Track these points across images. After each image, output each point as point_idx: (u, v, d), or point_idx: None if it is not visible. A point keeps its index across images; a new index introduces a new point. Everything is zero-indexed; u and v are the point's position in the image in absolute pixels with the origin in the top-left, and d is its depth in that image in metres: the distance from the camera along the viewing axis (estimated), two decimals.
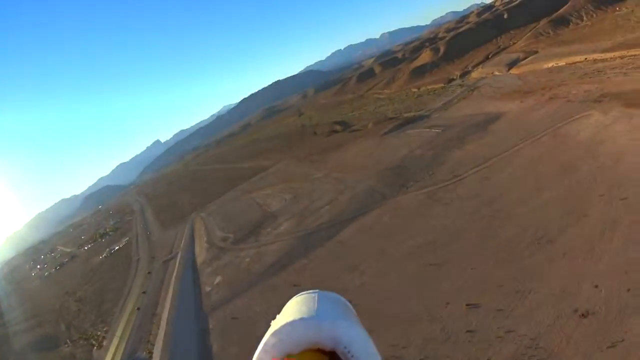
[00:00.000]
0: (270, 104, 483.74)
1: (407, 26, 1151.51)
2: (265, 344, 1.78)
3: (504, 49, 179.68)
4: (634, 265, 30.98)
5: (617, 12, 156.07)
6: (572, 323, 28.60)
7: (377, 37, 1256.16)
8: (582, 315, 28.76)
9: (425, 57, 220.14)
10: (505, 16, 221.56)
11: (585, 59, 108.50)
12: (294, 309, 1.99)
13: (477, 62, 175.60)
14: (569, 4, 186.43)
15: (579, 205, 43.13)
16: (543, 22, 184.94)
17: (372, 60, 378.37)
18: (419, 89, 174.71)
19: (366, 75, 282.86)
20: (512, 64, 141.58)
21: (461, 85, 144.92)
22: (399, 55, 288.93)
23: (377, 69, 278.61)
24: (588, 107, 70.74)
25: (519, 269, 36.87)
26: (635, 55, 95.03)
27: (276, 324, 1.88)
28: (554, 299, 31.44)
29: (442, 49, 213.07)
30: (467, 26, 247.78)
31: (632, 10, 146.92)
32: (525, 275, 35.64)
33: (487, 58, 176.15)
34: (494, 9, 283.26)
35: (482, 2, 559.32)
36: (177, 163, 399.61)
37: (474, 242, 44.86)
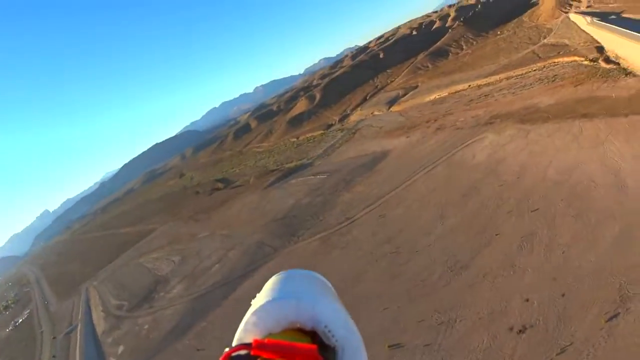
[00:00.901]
0: (151, 168, 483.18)
1: (280, 77, 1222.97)
2: (246, 323, 1.84)
3: (382, 88, 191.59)
4: (561, 271, 31.91)
5: (498, 36, 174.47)
6: (511, 341, 28.25)
7: (251, 91, 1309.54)
8: (520, 331, 28.54)
9: (301, 106, 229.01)
10: (381, 56, 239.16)
11: (469, 86, 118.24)
12: (273, 288, 2.07)
13: (355, 105, 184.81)
14: (446, 35, 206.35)
15: (488, 226, 44.30)
16: (421, 56, 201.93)
17: (248, 115, 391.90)
18: (297, 138, 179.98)
19: (242, 130, 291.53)
20: (392, 102, 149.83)
21: (341, 130, 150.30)
22: (274, 107, 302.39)
23: (253, 124, 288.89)
24: (480, 131, 76.09)
25: (437, 300, 36.29)
26: (521, 74, 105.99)
27: (256, 303, 1.96)
28: (484, 322, 31.00)
29: (317, 96, 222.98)
30: (341, 70, 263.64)
31: (514, 32, 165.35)
32: (445, 305, 35.02)
33: (365, 99, 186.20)
34: (368, 50, 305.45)
35: (355, 45, 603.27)
36: (66, 232, 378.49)
37: (381, 281, 44.34)
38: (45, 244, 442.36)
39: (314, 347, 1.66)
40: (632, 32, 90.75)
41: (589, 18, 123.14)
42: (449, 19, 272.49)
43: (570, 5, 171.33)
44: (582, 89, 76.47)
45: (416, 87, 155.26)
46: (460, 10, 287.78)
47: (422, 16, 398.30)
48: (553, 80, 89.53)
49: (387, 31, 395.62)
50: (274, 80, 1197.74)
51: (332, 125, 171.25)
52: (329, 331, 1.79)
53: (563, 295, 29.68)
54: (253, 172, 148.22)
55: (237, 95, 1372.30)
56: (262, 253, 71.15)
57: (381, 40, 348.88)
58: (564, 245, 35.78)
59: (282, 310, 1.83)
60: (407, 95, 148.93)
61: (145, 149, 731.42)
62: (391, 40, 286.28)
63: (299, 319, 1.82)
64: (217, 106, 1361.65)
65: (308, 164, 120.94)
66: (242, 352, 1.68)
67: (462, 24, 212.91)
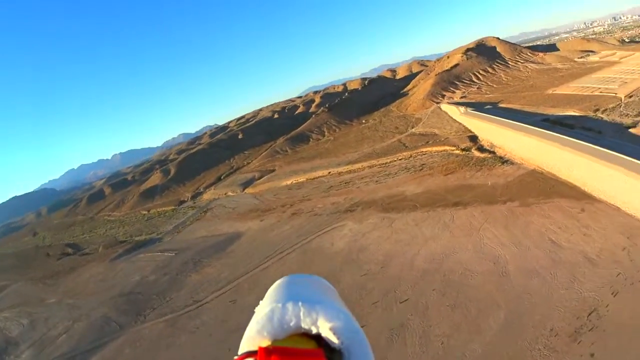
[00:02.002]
0: (7, 221, 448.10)
1: (138, 147, 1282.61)
2: (251, 330, 1.93)
3: (239, 169, 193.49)
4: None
5: (364, 124, 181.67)
6: None
7: (109, 157, 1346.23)
8: None
9: (155, 179, 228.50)
10: (240, 136, 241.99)
11: (329, 173, 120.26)
12: (277, 294, 2.19)
13: (209, 183, 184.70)
14: (309, 120, 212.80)
15: None
16: (280, 140, 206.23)
17: (103, 181, 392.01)
18: (148, 211, 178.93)
19: (96, 196, 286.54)
20: (247, 184, 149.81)
21: (193, 207, 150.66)
22: (129, 177, 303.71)
23: (107, 191, 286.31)
24: (339, 218, 76.68)
25: None
26: (385, 163, 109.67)
27: (260, 310, 2.08)
28: None
29: (172, 171, 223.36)
30: (199, 147, 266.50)
31: (380, 121, 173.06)
32: None
33: (219, 179, 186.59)
34: (228, 130, 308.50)
35: (215, 124, 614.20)
36: None
37: None
38: None
39: (319, 350, 1.80)
40: (508, 121, 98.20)
41: (462, 108, 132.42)
42: (313, 104, 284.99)
43: (443, 96, 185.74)
44: (453, 178, 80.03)
45: (273, 170, 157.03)
46: (326, 97, 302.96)
47: (286, 100, 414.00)
48: (420, 169, 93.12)
49: (248, 112, 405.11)
50: (133, 150, 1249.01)
51: (184, 201, 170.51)
52: (334, 334, 1.85)
53: None
54: (102, 241, 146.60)
55: (95, 160, 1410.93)
56: (108, 329, 68.76)
57: (242, 121, 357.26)
58: (442, 335, 34.87)
59: (286, 316, 1.89)
60: (263, 178, 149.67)
61: (4, 200, 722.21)
62: (252, 122, 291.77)
63: (303, 323, 1.88)
64: (75, 168, 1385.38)
65: (157, 239, 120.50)
66: None
67: (326, 110, 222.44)
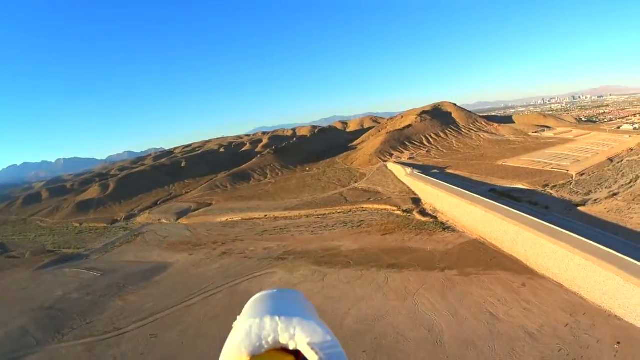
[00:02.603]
0: None
1: (82, 157, 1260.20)
2: (228, 346, 1.96)
3: (176, 196, 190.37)
4: None
5: (307, 172, 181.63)
6: None
7: (53, 161, 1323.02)
8: None
9: (93, 192, 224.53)
10: (183, 164, 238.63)
11: (266, 216, 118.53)
12: (254, 309, 2.24)
13: (145, 207, 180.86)
14: (254, 160, 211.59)
15: None
16: (222, 175, 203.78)
17: (42, 184, 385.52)
18: (81, 224, 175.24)
19: (33, 198, 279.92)
20: (182, 214, 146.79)
21: (125, 229, 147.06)
22: (69, 184, 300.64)
23: (45, 195, 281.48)
24: (270, 265, 75.13)
25: None
26: (324, 214, 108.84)
27: (237, 325, 2.08)
28: None
29: (111, 187, 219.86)
30: (141, 168, 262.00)
31: (324, 171, 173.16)
32: None
33: (156, 204, 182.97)
34: (172, 156, 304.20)
35: (161, 147, 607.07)
36: None
37: None
38: None
39: None
40: (453, 187, 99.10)
41: (409, 169, 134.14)
42: (260, 144, 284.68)
43: (391, 155, 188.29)
44: (391, 239, 79.68)
45: (210, 204, 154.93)
46: (274, 139, 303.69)
47: (234, 136, 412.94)
48: (359, 225, 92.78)
49: (196, 142, 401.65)
50: (77, 158, 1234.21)
51: (117, 221, 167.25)
52: (312, 349, 1.89)
53: None
54: (31, 247, 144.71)
55: (39, 161, 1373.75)
56: (24, 342, 65.37)
57: (188, 149, 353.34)
58: None
59: (263, 331, 1.92)
60: (199, 211, 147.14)
61: None
62: (197, 152, 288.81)
63: (281, 338, 1.91)
64: (18, 164, 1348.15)
65: (85, 255, 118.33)
66: None
67: (272, 152, 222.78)
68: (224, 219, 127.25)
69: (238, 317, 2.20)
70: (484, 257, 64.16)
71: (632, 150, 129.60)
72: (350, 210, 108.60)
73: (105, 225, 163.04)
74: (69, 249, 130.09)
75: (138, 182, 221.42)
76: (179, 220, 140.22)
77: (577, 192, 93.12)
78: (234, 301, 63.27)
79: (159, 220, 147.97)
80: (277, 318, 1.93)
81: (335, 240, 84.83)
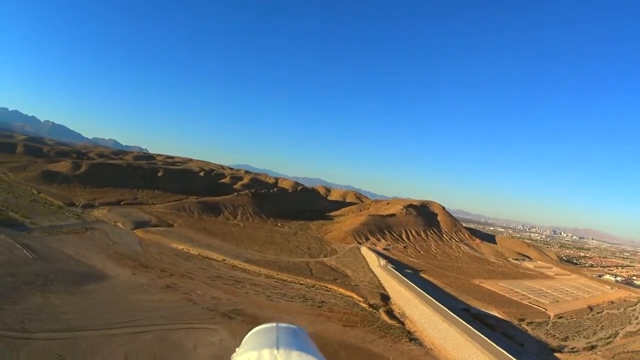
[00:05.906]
0: None
1: (71, 128, 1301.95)
2: None
3: (141, 204, 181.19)
4: None
5: (278, 227, 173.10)
6: None
7: (42, 120, 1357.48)
8: None
9: (64, 166, 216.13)
10: (160, 174, 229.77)
11: (224, 260, 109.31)
12: (254, 341, 2.23)
13: (106, 202, 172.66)
14: (229, 196, 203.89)
15: None
16: (193, 198, 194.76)
17: (24, 138, 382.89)
18: (39, 193, 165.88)
19: (7, 148, 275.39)
20: (140, 225, 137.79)
21: (78, 217, 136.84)
22: (45, 149, 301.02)
23: (20, 149, 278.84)
24: (214, 320, 65.33)
25: None
26: (285, 280, 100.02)
27: (237, 357, 2.10)
28: None
29: (82, 168, 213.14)
30: (119, 161, 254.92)
31: (296, 233, 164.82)
32: None
33: (119, 203, 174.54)
34: (152, 161, 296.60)
35: (146, 149, 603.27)
36: None
37: None
38: None
39: None
40: (428, 296, 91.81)
41: (383, 261, 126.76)
42: (240, 182, 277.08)
43: (367, 239, 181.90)
44: (352, 333, 70.60)
45: (172, 225, 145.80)
46: (255, 181, 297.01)
47: (217, 164, 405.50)
48: (320, 306, 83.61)
49: (179, 156, 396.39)
50: (64, 127, 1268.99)
51: (74, 205, 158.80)
52: None
53: None
54: None
55: (29, 115, 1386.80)
56: None
57: (169, 160, 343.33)
58: None
59: None
60: (158, 228, 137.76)
61: None
62: (177, 167, 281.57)
63: None
64: (9, 109, 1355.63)
65: (29, 228, 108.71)
66: None
67: (250, 195, 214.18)
68: (180, 247, 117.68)
69: (237, 349, 2.21)
70: None
71: (612, 303, 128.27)
72: (313, 286, 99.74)
73: (61, 204, 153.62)
74: (17, 213, 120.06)
75: (110, 174, 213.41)
76: (134, 230, 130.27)
77: (554, 335, 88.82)
78: (161, 350, 52.68)
79: (115, 222, 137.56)
80: (275, 351, 1.96)
81: (290, 314, 75.12)
